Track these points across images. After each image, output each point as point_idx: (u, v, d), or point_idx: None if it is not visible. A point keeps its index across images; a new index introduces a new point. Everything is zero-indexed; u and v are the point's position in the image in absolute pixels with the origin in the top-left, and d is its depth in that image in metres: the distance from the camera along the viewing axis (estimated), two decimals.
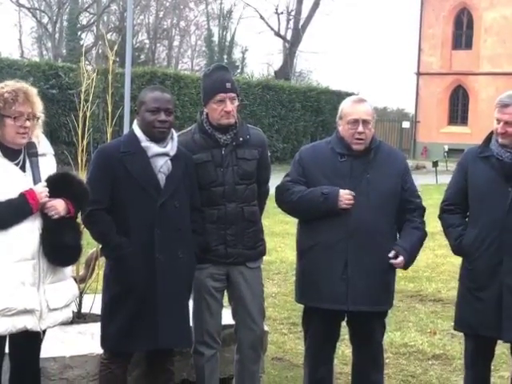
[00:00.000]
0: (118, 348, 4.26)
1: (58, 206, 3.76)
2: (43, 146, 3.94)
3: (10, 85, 3.80)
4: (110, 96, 5.84)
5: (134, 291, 4.15)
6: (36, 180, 3.78)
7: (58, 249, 3.78)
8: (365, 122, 4.47)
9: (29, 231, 3.73)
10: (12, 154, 3.79)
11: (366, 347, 4.69)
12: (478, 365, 4.59)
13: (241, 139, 4.54)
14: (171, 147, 4.28)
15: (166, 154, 4.25)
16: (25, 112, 3.76)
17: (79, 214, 4.08)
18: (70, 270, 4.07)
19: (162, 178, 4.23)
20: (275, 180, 4.86)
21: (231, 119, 4.50)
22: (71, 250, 3.88)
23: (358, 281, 4.42)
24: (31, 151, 3.83)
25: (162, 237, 4.18)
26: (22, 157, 3.83)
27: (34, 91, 3.85)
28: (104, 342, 4.30)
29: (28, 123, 3.77)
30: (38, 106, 3.85)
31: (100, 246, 4.67)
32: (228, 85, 4.47)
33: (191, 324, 4.50)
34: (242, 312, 4.64)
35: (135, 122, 4.36)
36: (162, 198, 4.19)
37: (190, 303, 4.52)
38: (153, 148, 4.23)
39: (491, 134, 4.49)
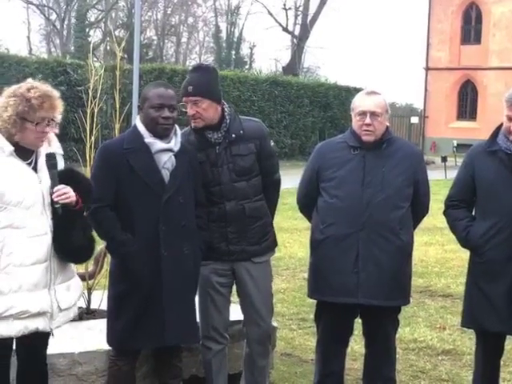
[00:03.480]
0: (124, 345, 4.26)
1: (70, 192, 3.74)
2: (53, 146, 3.91)
3: (38, 89, 3.74)
4: (118, 92, 5.83)
5: (139, 288, 4.14)
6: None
7: (69, 248, 3.78)
8: (373, 114, 4.46)
9: (42, 233, 3.72)
10: (25, 153, 3.77)
11: (379, 342, 4.68)
12: (488, 362, 4.57)
13: (233, 136, 4.47)
14: (175, 143, 4.26)
15: (169, 150, 4.22)
16: (47, 117, 3.73)
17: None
18: (74, 267, 4.07)
19: (166, 174, 4.20)
20: (284, 177, 4.85)
21: (198, 123, 4.42)
22: (83, 248, 3.87)
23: (369, 274, 4.41)
24: (51, 162, 3.79)
25: (167, 233, 4.16)
26: (34, 156, 3.80)
27: (57, 95, 3.81)
28: (110, 339, 4.30)
29: (48, 128, 3.75)
30: (60, 111, 3.81)
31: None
32: (190, 88, 4.37)
33: (198, 319, 4.49)
34: (249, 308, 4.63)
35: (138, 117, 4.34)
36: (166, 194, 4.17)
37: (197, 299, 4.51)
38: (156, 144, 4.20)
39: (498, 128, 4.47)
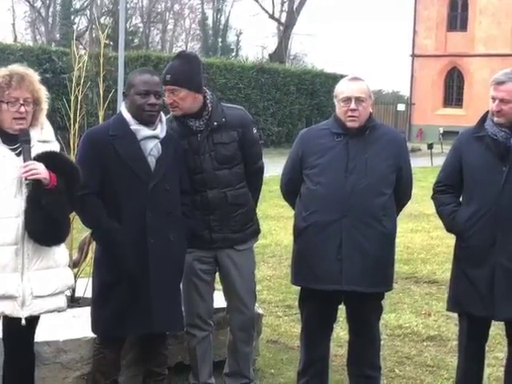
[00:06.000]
0: (111, 333, 4.24)
1: (40, 168, 3.65)
2: (46, 133, 3.87)
3: (7, 69, 3.73)
4: (102, 79, 5.81)
5: (126, 276, 4.12)
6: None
7: (30, 228, 3.67)
8: (357, 100, 4.47)
9: (14, 216, 3.67)
10: (11, 139, 3.74)
11: (363, 329, 4.69)
12: (472, 347, 4.58)
13: (215, 123, 4.46)
14: (161, 130, 4.24)
15: (155, 137, 4.21)
16: (20, 97, 3.70)
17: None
18: (63, 259, 3.94)
19: (152, 161, 4.19)
20: (270, 165, 4.85)
21: (175, 111, 4.42)
22: (42, 232, 3.70)
23: (352, 261, 4.40)
24: (23, 138, 3.73)
25: (154, 220, 4.15)
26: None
27: (33, 77, 3.78)
28: (96, 327, 4.28)
29: (23, 109, 3.70)
30: (39, 92, 3.78)
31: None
32: (167, 77, 4.37)
33: (182, 307, 4.49)
34: (232, 295, 4.64)
35: (123, 104, 4.32)
36: (152, 181, 4.16)
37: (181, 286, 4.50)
38: (142, 131, 4.18)
39: (486, 114, 4.49)
